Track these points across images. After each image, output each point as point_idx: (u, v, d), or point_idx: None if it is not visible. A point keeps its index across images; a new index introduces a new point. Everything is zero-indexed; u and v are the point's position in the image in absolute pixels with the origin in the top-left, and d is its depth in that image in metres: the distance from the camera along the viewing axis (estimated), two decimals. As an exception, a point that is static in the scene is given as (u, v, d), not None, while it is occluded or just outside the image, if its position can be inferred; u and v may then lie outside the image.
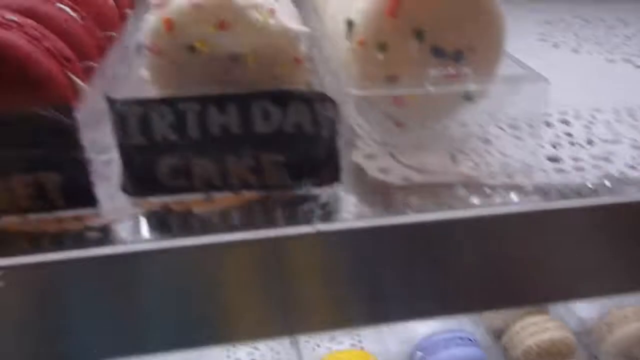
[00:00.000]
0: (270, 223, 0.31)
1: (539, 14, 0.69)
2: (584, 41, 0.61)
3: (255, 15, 0.29)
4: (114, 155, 0.31)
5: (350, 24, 0.34)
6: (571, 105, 0.45)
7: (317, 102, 0.31)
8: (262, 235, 0.31)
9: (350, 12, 0.34)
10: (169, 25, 0.29)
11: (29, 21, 0.32)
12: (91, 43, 0.39)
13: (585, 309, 0.74)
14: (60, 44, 0.33)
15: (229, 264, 0.32)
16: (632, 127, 0.42)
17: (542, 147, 0.39)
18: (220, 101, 0.30)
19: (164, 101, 0.30)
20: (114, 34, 0.43)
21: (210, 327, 0.33)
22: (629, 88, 0.50)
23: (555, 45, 0.60)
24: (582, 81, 0.51)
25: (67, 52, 0.33)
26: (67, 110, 0.28)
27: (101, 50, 0.40)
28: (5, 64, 0.29)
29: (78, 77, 0.33)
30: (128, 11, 0.48)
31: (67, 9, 0.38)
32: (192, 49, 0.30)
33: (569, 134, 0.41)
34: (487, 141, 0.40)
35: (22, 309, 0.31)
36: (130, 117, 0.30)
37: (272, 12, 0.30)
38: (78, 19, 0.38)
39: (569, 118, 0.44)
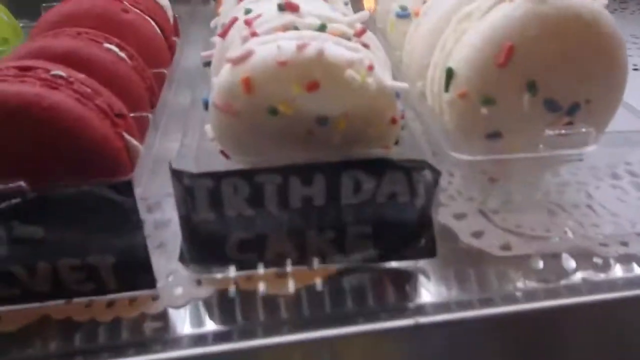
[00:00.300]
0: (358, 307, 0.27)
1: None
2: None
3: (352, 74, 0.24)
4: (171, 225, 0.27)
5: (449, 73, 0.29)
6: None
7: (416, 171, 0.26)
8: (349, 330, 0.26)
9: (449, 59, 0.29)
10: (248, 85, 0.25)
11: (79, 75, 0.28)
12: (141, 85, 0.34)
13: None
14: (112, 98, 0.29)
15: None
16: None
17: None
18: (305, 172, 0.26)
19: (239, 174, 0.25)
20: (164, 70, 0.38)
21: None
22: None
23: (636, 68, 0.54)
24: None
25: (119, 105, 0.29)
26: (126, 186, 0.24)
27: (151, 90, 0.36)
28: (54, 129, 0.25)
29: (131, 134, 0.29)
30: (176, 40, 0.43)
31: (115, 49, 0.33)
32: (273, 111, 0.25)
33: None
34: (588, 195, 0.35)
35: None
36: (199, 191, 0.25)
37: (370, 68, 0.25)
38: (126, 58, 0.34)
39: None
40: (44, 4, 0.57)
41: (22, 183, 0.24)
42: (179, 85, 0.40)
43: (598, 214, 0.33)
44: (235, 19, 0.32)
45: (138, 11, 0.40)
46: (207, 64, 0.38)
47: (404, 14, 0.41)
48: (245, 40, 0.27)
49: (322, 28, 0.26)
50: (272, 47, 0.25)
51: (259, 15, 0.28)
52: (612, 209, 0.33)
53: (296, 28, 0.27)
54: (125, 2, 0.39)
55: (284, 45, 0.24)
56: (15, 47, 0.43)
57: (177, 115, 0.37)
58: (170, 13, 0.47)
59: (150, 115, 0.32)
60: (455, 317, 0.27)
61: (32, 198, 0.24)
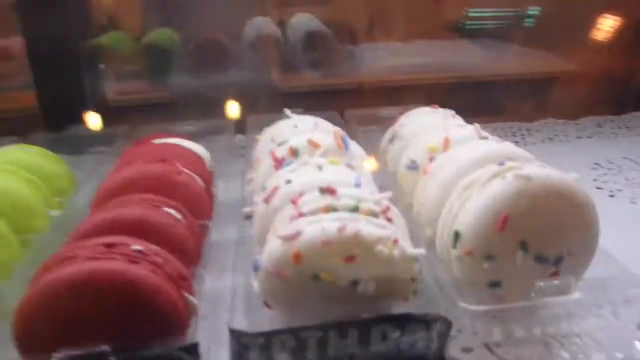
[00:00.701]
0: None
1: (587, 156, 0.72)
2: (637, 187, 0.63)
3: (381, 249, 0.30)
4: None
5: (457, 234, 0.35)
6: None
7: (433, 323, 0.32)
8: None
9: (455, 223, 0.36)
10: (298, 258, 0.31)
11: (151, 246, 0.34)
12: (191, 240, 0.40)
13: None
14: (176, 263, 0.35)
15: None
16: None
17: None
18: (342, 327, 0.31)
19: (287, 331, 0.31)
20: (208, 223, 0.45)
21: None
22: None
23: (612, 195, 0.61)
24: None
25: (182, 271, 0.35)
26: (194, 348, 0.29)
27: (199, 243, 0.42)
28: (135, 299, 0.30)
29: (191, 294, 0.34)
30: (213, 189, 0.51)
31: (173, 212, 0.40)
32: (316, 277, 0.31)
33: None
34: (577, 326, 0.40)
35: None
36: (253, 348, 0.31)
37: (395, 242, 0.31)
38: (182, 218, 0.40)
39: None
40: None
41: (107, 347, 0.29)
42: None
43: (586, 344, 0.38)
44: (276, 188, 0.39)
45: (187, 171, 0.47)
46: (248, 217, 0.44)
47: (413, 167, 0.49)
48: (293, 219, 0.33)
49: (355, 209, 0.33)
50: (317, 227, 0.31)
51: (301, 194, 0.35)
52: (598, 338, 0.38)
53: (335, 209, 0.33)
54: (177, 165, 0.47)
55: (327, 226, 0.31)
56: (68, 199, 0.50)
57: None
58: (208, 164, 0.54)
59: (202, 271, 0.38)
60: None
61: (117, 360, 0.29)
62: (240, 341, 0.30)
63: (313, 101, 0.85)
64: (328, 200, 0.34)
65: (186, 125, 0.69)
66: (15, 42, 0.77)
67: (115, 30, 0.83)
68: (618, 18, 0.92)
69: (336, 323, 0.31)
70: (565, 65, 0.95)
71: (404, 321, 0.31)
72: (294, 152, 0.46)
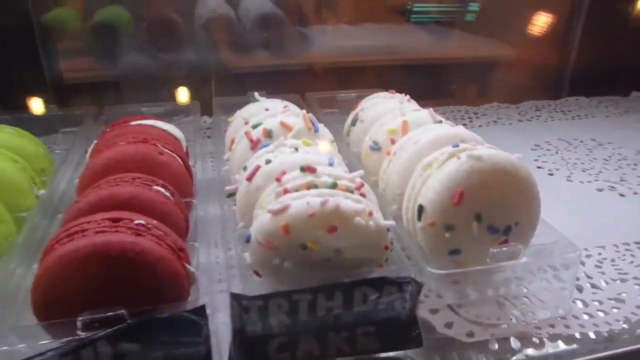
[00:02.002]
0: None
1: (528, 138, 0.80)
2: (572, 167, 0.71)
3: (359, 220, 0.35)
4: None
5: (420, 208, 0.41)
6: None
7: (406, 285, 0.37)
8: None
9: (419, 197, 0.41)
10: (287, 229, 0.35)
11: (153, 222, 0.37)
12: (181, 216, 0.43)
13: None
14: (173, 235, 0.38)
15: None
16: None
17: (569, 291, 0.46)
18: (329, 290, 0.35)
19: (281, 294, 0.35)
20: (193, 200, 0.48)
21: None
22: (618, 217, 0.59)
23: (551, 173, 0.69)
24: (579, 211, 0.60)
25: (179, 242, 0.38)
26: (202, 310, 0.33)
27: (186, 218, 0.45)
28: (144, 268, 0.34)
29: (189, 263, 0.38)
30: (192, 168, 0.53)
31: (162, 190, 0.43)
32: (304, 246, 0.35)
33: (588, 276, 0.49)
34: (525, 288, 0.46)
35: None
36: (252, 310, 0.35)
37: (370, 214, 0.36)
38: (170, 196, 0.43)
39: (584, 259, 0.51)
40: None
41: (123, 311, 0.32)
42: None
43: (533, 303, 0.44)
44: (257, 167, 0.43)
45: (168, 151, 0.49)
46: (230, 195, 0.48)
47: (376, 148, 0.54)
48: (278, 195, 0.37)
49: (333, 186, 0.37)
50: (302, 202, 0.35)
51: (283, 173, 0.39)
52: (542, 298, 0.45)
53: (315, 186, 0.37)
54: (159, 145, 0.49)
55: (311, 201, 0.35)
56: (50, 179, 0.52)
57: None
58: (184, 144, 0.57)
59: (196, 244, 0.41)
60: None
61: (131, 322, 0.32)
62: (241, 304, 0.34)
63: (266, 83, 0.88)
64: (309, 178, 0.38)
65: (152, 107, 0.70)
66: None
67: (62, 8, 0.82)
68: (552, 12, 1.00)
69: (324, 286, 0.35)
70: (506, 52, 1.03)
71: (381, 284, 0.36)
72: (268, 134, 0.50)
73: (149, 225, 0.36)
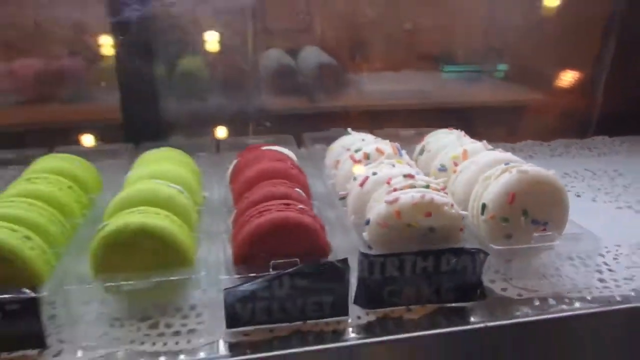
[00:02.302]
0: (453, 321, 0.53)
1: (559, 169, 0.96)
2: (597, 191, 0.87)
3: (447, 208, 0.53)
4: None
5: (484, 206, 0.58)
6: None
7: (476, 254, 0.54)
8: (448, 330, 0.52)
9: (482, 199, 0.59)
10: (398, 214, 0.53)
11: (306, 207, 0.56)
12: (309, 204, 0.62)
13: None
14: (311, 210, 0.56)
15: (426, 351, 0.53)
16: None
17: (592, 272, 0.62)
18: (425, 254, 0.53)
19: (395, 255, 0.53)
20: (315, 202, 0.67)
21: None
22: (634, 226, 0.75)
23: (578, 195, 0.86)
24: (601, 222, 0.76)
25: (320, 222, 0.56)
26: (345, 262, 0.51)
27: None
28: (307, 234, 0.52)
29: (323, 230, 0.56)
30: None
31: (300, 191, 0.62)
32: (409, 225, 0.54)
33: (606, 264, 0.65)
34: (558, 269, 0.63)
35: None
36: (375, 264, 0.52)
37: (452, 206, 0.54)
38: (304, 195, 0.62)
39: (604, 252, 0.67)
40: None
41: (297, 259, 0.51)
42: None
43: (564, 278, 0.61)
44: (367, 177, 0.61)
45: (293, 167, 0.69)
46: (342, 198, 0.66)
47: (442, 169, 0.72)
48: (389, 192, 0.56)
49: (427, 186, 0.56)
50: (408, 195, 0.54)
51: (390, 178, 0.58)
52: (570, 275, 0.61)
53: (414, 186, 0.56)
54: (288, 162, 0.68)
55: (414, 195, 0.53)
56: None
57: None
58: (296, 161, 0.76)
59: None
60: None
61: (300, 267, 0.50)
62: (368, 259, 0.52)
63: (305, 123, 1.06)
64: (410, 181, 0.57)
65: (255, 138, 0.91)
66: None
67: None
68: (580, 60, 1.19)
69: (421, 252, 0.53)
70: (538, 98, 1.21)
71: (459, 252, 0.54)
72: (367, 156, 0.69)
73: (305, 208, 0.55)
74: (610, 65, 1.17)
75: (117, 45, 0.94)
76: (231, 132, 1.06)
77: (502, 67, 1.19)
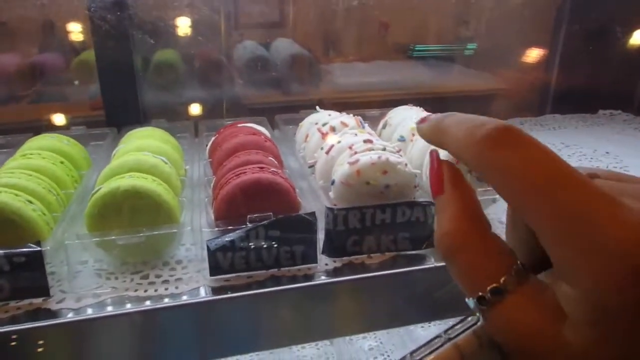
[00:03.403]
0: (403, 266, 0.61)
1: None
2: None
3: (401, 167, 0.61)
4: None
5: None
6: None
7: (427, 207, 0.62)
8: (395, 270, 0.60)
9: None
10: (358, 173, 0.60)
11: (278, 170, 0.63)
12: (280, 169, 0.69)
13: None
14: (290, 180, 0.63)
15: (380, 288, 0.60)
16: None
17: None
18: (382, 208, 0.61)
19: (357, 208, 0.60)
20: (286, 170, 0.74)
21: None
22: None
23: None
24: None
25: (292, 183, 0.63)
26: (313, 215, 0.58)
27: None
28: (280, 192, 0.59)
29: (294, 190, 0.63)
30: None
31: (273, 159, 0.68)
32: (367, 183, 0.61)
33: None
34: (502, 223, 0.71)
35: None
36: (339, 216, 0.60)
37: (406, 165, 0.61)
38: (275, 161, 0.69)
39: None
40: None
41: (270, 213, 0.57)
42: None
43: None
44: (332, 146, 0.69)
45: (265, 139, 0.76)
46: (311, 166, 0.74)
47: (402, 140, 0.79)
48: (351, 155, 0.63)
49: (384, 149, 0.63)
50: (367, 157, 0.61)
51: (353, 144, 0.65)
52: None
53: (373, 149, 0.63)
54: (262, 136, 0.75)
55: (372, 156, 0.61)
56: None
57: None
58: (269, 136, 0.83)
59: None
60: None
61: (274, 219, 0.57)
62: (333, 212, 0.59)
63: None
64: (369, 145, 0.64)
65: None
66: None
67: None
68: (534, 44, 1.28)
69: (380, 205, 0.60)
70: (498, 83, 1.30)
71: (412, 205, 0.61)
72: (333, 129, 0.76)
73: (278, 171, 0.62)
74: (563, 46, 1.26)
75: (96, 36, 0.99)
76: (208, 117, 1.12)
77: (472, 45, 1.27)
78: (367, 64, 1.22)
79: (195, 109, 1.15)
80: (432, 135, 0.32)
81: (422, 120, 0.33)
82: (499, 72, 1.29)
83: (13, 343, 0.48)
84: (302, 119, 0.90)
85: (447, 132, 0.30)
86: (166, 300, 0.53)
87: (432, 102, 1.23)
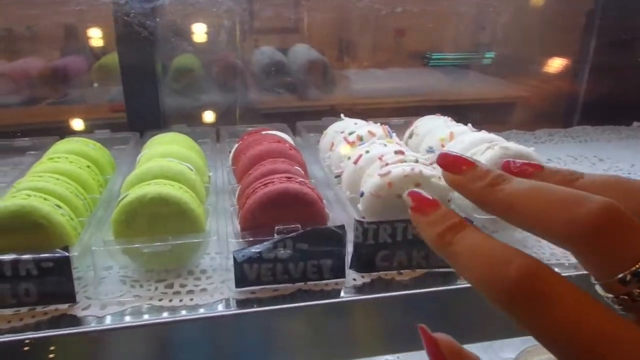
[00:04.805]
0: (440, 283, 0.59)
1: (541, 155, 1.02)
2: (575, 173, 0.93)
3: (435, 180, 0.59)
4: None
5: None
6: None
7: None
8: (433, 289, 0.58)
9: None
10: (390, 184, 0.59)
11: (306, 180, 0.61)
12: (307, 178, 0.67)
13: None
14: (317, 191, 0.62)
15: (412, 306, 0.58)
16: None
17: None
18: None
19: (387, 222, 0.58)
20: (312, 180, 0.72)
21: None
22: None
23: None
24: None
25: (320, 194, 0.62)
26: (343, 227, 0.57)
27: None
28: (308, 202, 0.58)
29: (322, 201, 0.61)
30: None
31: (299, 169, 0.67)
32: (399, 196, 0.59)
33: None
34: (539, 240, 0.68)
35: None
36: (369, 230, 0.58)
37: (439, 178, 0.60)
38: (301, 170, 0.68)
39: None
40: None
41: (298, 225, 0.56)
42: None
43: (544, 248, 0.67)
44: (360, 156, 0.67)
45: (290, 147, 0.74)
46: (337, 176, 0.72)
47: (430, 151, 0.77)
48: (382, 167, 0.61)
49: (416, 161, 0.61)
50: (399, 169, 0.59)
51: (383, 155, 0.63)
52: (550, 246, 0.67)
53: (405, 161, 0.61)
54: (287, 144, 0.74)
55: (405, 168, 0.59)
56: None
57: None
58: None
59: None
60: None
61: (302, 231, 0.55)
62: (363, 225, 0.57)
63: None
64: (400, 157, 0.62)
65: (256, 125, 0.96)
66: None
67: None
68: (564, 53, 1.25)
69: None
70: (520, 91, 1.27)
71: (444, 219, 0.59)
72: (360, 138, 0.75)
73: (305, 181, 0.60)
74: (593, 55, 1.23)
75: (120, 41, 0.99)
76: (227, 122, 1.12)
77: (490, 54, 1.25)
78: (383, 71, 1.21)
79: (214, 114, 1.15)
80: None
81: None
82: (522, 80, 1.27)
83: (43, 350, 0.47)
84: (324, 126, 0.89)
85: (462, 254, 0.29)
86: (186, 312, 0.51)
87: (451, 109, 1.20)
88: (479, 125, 1.18)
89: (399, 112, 1.16)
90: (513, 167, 0.35)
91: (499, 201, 0.30)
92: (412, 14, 1.17)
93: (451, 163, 0.34)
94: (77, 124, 1.08)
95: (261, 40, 1.15)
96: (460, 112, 1.23)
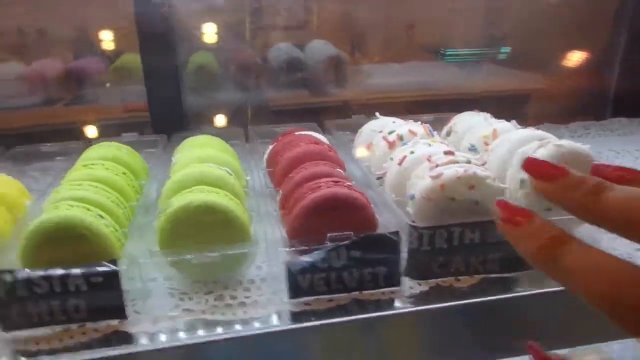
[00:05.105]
0: (500, 289, 0.56)
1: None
2: (618, 168, 0.90)
3: (490, 181, 0.56)
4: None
5: (522, 180, 0.61)
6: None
7: (517, 224, 0.57)
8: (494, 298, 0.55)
9: (520, 174, 0.61)
10: (443, 187, 0.56)
11: (351, 183, 0.58)
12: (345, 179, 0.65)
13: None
14: (364, 194, 0.59)
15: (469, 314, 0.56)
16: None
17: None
18: (472, 226, 0.56)
19: (443, 227, 0.55)
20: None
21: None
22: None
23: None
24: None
25: (367, 197, 0.59)
26: (397, 234, 0.54)
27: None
28: (358, 206, 0.55)
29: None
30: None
31: (340, 171, 0.64)
32: (452, 199, 0.56)
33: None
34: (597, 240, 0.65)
35: None
36: (425, 235, 0.55)
37: (494, 179, 0.57)
38: (342, 172, 0.65)
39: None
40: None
41: (351, 233, 0.53)
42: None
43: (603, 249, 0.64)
44: (405, 157, 0.64)
45: (329, 148, 0.71)
46: (379, 177, 0.69)
47: (473, 149, 0.74)
48: (432, 168, 0.58)
49: (468, 162, 0.58)
50: (452, 170, 0.56)
51: (431, 155, 0.60)
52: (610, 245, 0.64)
53: (456, 162, 0.58)
54: (325, 145, 0.71)
55: (458, 169, 0.56)
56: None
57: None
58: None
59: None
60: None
61: (356, 239, 0.53)
62: (418, 231, 0.55)
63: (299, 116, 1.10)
64: (450, 157, 0.59)
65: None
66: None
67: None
68: (593, 45, 1.21)
69: (469, 223, 0.56)
70: (551, 83, 1.23)
71: (501, 222, 0.56)
72: (401, 138, 0.72)
73: (352, 185, 0.58)
74: (624, 47, 1.20)
75: (142, 42, 0.96)
76: (253, 122, 1.09)
77: (505, 49, 1.21)
78: (399, 65, 1.18)
79: (237, 114, 1.12)
80: None
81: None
82: (548, 73, 1.23)
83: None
84: (354, 125, 0.86)
85: None
86: (241, 326, 0.49)
87: (467, 103, 1.17)
88: (509, 120, 1.15)
89: (419, 106, 1.13)
90: (607, 172, 0.34)
91: (604, 210, 0.28)
92: (430, 6, 1.14)
93: (542, 170, 0.32)
94: (98, 126, 1.05)
95: (273, 36, 1.12)
96: (487, 106, 1.21)
